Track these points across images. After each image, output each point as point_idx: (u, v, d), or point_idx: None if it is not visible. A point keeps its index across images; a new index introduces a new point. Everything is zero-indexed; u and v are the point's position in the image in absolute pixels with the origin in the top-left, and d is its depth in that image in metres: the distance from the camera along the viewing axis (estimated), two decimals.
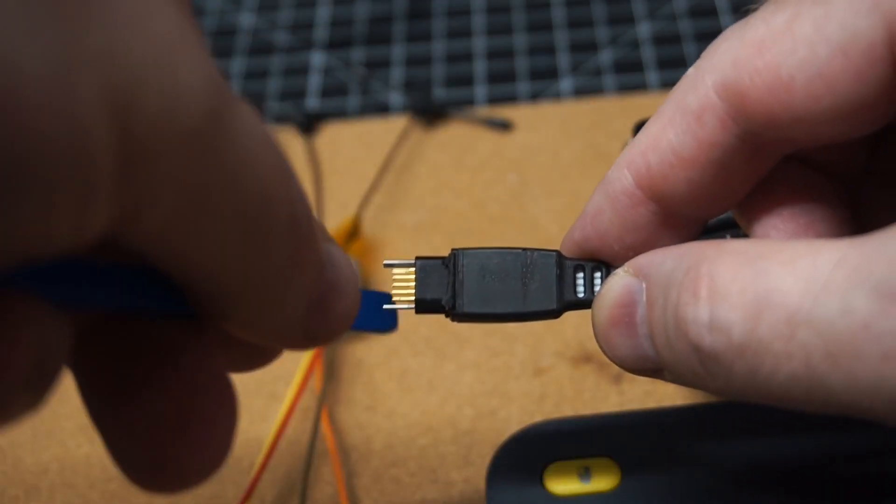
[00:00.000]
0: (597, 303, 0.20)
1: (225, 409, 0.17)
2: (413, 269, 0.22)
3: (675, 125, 0.20)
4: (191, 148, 0.13)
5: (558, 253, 0.22)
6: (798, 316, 0.16)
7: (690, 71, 0.20)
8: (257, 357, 0.19)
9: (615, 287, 0.20)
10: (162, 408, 0.16)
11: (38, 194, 0.12)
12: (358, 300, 0.19)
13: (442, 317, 0.22)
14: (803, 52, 0.18)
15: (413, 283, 0.22)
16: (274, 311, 0.16)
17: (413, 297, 0.22)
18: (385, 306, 0.22)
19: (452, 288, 0.22)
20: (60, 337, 0.14)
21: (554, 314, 0.22)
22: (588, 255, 0.22)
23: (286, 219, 0.16)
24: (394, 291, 0.22)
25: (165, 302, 0.16)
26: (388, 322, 0.23)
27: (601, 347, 0.20)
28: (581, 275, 0.22)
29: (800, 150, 0.21)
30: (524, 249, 0.22)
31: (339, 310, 0.18)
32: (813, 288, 0.16)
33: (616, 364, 0.20)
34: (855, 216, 0.21)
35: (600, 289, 0.21)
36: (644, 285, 0.19)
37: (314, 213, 0.17)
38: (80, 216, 0.13)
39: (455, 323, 0.23)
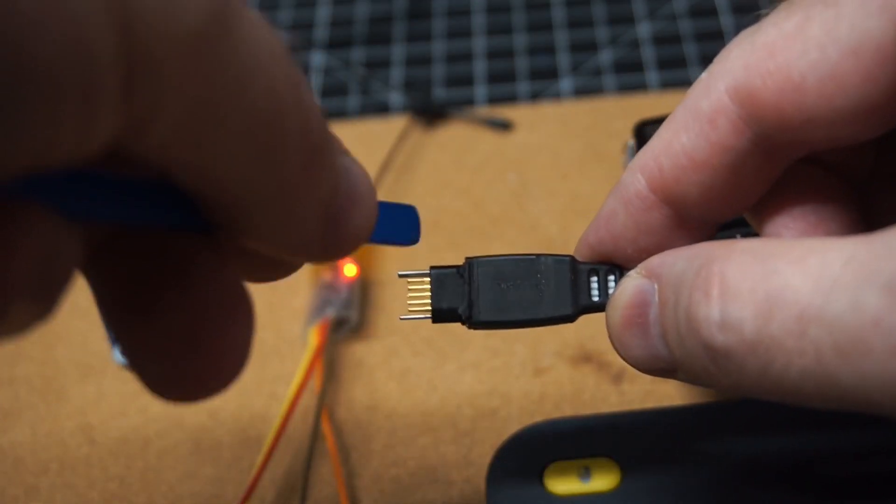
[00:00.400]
0: (610, 305, 0.21)
1: (241, 318, 0.17)
2: (428, 279, 0.22)
3: (687, 129, 0.20)
4: (195, 51, 0.13)
5: (572, 258, 0.23)
6: (809, 313, 0.16)
7: (703, 76, 0.20)
8: (276, 269, 0.19)
9: (628, 289, 0.20)
10: (178, 318, 0.16)
11: (41, 101, 0.12)
12: (375, 211, 0.18)
13: None
14: (814, 54, 0.18)
15: (428, 293, 0.22)
16: (289, 222, 0.16)
17: (429, 307, 0.22)
18: (401, 318, 0.22)
19: (468, 297, 0.22)
20: (69, 248, 0.14)
21: (569, 319, 0.22)
22: (602, 258, 0.22)
23: (298, 128, 0.15)
24: (409, 302, 0.22)
25: (179, 215, 0.16)
26: (408, 235, 0.22)
27: (616, 349, 0.21)
28: (595, 278, 0.22)
29: (810, 152, 0.21)
30: (538, 255, 0.22)
31: (356, 221, 0.18)
32: (823, 285, 0.16)
33: (630, 365, 0.20)
34: (863, 216, 0.22)
35: (613, 291, 0.21)
36: (656, 286, 0.19)
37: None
38: (85, 125, 0.12)
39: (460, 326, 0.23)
